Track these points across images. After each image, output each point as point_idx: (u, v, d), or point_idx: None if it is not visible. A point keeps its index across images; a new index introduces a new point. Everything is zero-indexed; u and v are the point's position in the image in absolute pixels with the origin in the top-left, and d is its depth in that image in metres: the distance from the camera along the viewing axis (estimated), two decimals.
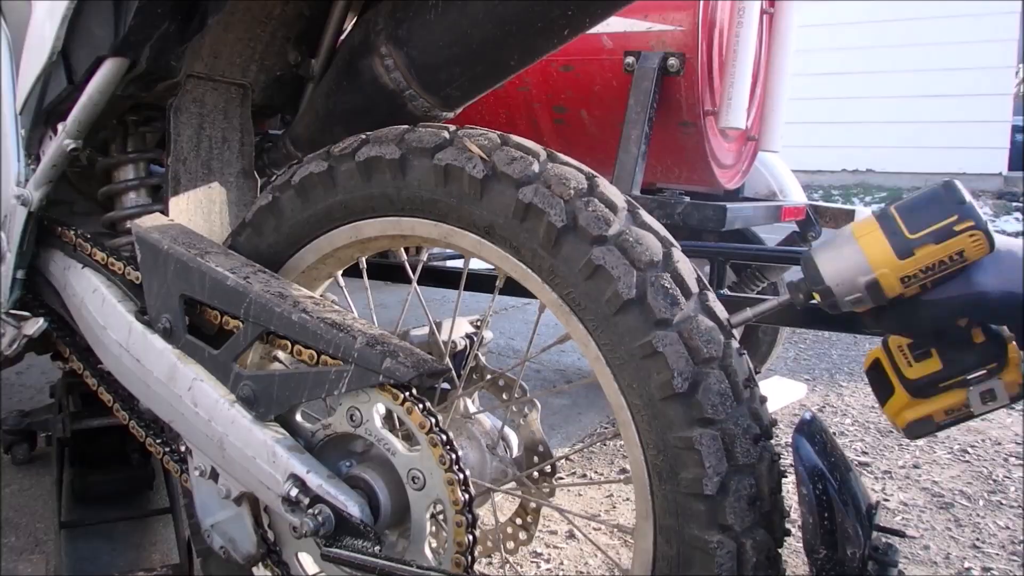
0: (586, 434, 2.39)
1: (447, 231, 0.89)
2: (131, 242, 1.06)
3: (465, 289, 1.22)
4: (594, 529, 1.76)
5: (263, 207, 1.00)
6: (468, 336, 1.22)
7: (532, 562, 1.60)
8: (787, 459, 0.80)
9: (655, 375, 0.77)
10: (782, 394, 2.77)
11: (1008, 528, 1.83)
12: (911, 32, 11.87)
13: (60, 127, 1.12)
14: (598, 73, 2.26)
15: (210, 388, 0.94)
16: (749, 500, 0.75)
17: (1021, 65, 13.45)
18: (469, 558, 0.84)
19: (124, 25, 1.00)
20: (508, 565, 1.56)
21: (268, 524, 1.01)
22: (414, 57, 1.09)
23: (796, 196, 2.76)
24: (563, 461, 2.15)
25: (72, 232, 1.20)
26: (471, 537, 0.83)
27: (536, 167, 0.84)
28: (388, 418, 0.91)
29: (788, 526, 0.81)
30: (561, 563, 1.61)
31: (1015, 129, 11.97)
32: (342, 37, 1.24)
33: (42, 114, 1.20)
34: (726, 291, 1.91)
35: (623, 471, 2.09)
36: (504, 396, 1.18)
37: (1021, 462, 2.25)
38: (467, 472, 0.83)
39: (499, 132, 0.90)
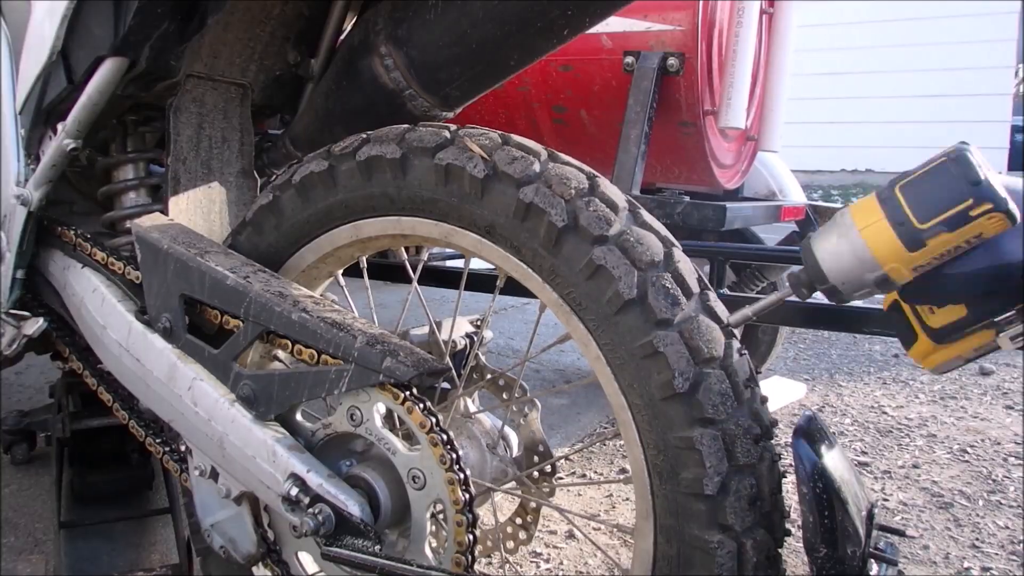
0: (586, 434, 2.39)
1: (448, 230, 0.89)
2: (131, 242, 1.06)
3: (465, 289, 1.22)
4: (594, 529, 1.76)
5: (263, 206, 1.00)
6: (468, 336, 1.22)
7: (532, 562, 1.60)
8: (787, 459, 0.80)
9: (656, 375, 0.77)
10: (782, 394, 2.77)
11: (1007, 528, 1.84)
12: (911, 32, 11.88)
13: (60, 127, 1.12)
14: (598, 73, 2.26)
15: (210, 387, 0.94)
16: (750, 500, 0.76)
17: (1021, 65, 13.46)
18: (469, 557, 0.84)
19: (124, 25, 1.00)
20: (508, 565, 1.56)
21: (268, 523, 1.01)
22: (414, 57, 1.09)
23: (795, 196, 2.76)
24: (563, 461, 2.15)
25: (72, 232, 1.20)
26: (471, 536, 0.83)
27: (537, 166, 0.84)
28: (388, 418, 0.91)
29: (788, 526, 0.82)
30: (561, 563, 1.61)
31: (1014, 129, 11.98)
32: (342, 37, 1.24)
33: (42, 114, 1.20)
34: (726, 291, 1.91)
35: (623, 471, 2.09)
36: (504, 396, 1.18)
37: (1020, 462, 2.25)
38: (467, 472, 0.83)
39: (500, 132, 0.90)
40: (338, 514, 0.85)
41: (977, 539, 1.78)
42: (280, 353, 1.00)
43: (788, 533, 0.80)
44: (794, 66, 2.59)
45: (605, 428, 2.43)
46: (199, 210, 1.19)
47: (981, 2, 11.16)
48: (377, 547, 0.84)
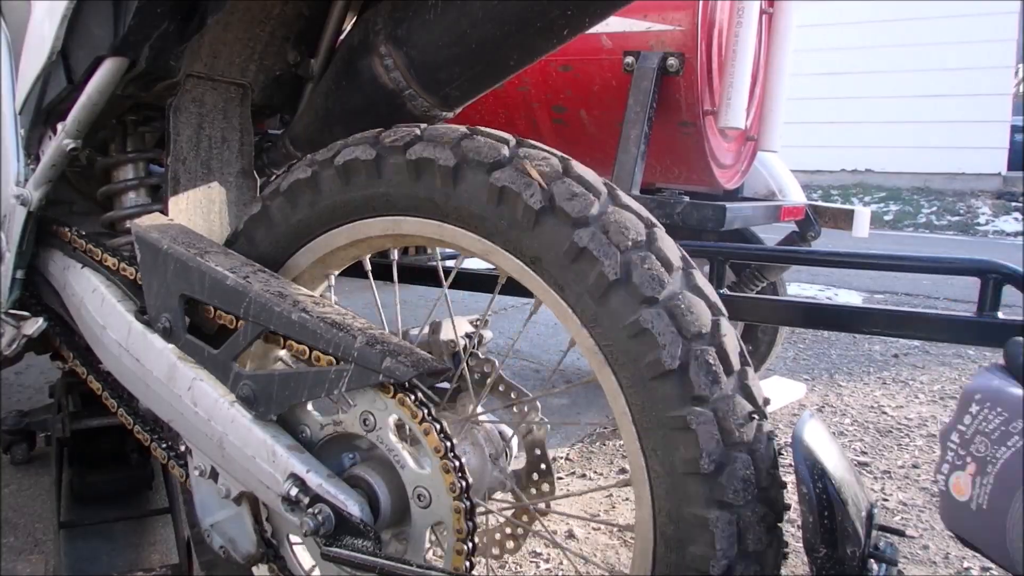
0: (585, 434, 2.39)
1: (490, 248, 0.86)
2: (131, 242, 1.06)
3: (464, 288, 1.22)
4: (594, 529, 1.76)
5: (301, 180, 0.97)
6: (468, 335, 1.22)
7: (532, 562, 1.60)
8: (787, 459, 0.80)
9: (682, 449, 0.76)
10: (781, 394, 2.78)
11: None
12: (911, 32, 11.89)
13: (59, 127, 1.12)
14: (597, 73, 2.26)
15: (210, 388, 0.94)
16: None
17: (1020, 65, 13.46)
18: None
19: (123, 25, 1.00)
20: (507, 564, 1.56)
21: (267, 519, 1.01)
22: (413, 57, 1.09)
23: (795, 196, 2.76)
24: (563, 460, 2.15)
25: (71, 232, 1.20)
26: (468, 563, 0.83)
27: (596, 208, 0.80)
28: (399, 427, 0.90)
29: (788, 526, 0.81)
30: (561, 563, 1.61)
31: (1014, 129, 11.99)
32: (341, 37, 1.24)
33: (42, 114, 1.20)
34: (726, 291, 1.91)
35: (623, 471, 2.09)
36: (515, 409, 1.17)
37: None
38: (474, 502, 0.83)
39: (561, 155, 0.86)
40: (338, 514, 0.85)
41: None
42: (280, 353, 1.00)
43: (788, 507, 0.81)
44: (794, 66, 2.59)
45: (604, 428, 2.43)
46: (199, 210, 1.19)
47: (981, 2, 11.17)
48: (377, 547, 0.84)
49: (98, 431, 1.64)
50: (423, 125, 0.92)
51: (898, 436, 2.46)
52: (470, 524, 0.82)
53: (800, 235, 2.62)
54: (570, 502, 1.90)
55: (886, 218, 11.55)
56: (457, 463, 0.83)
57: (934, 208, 11.62)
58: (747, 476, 0.75)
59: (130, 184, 1.27)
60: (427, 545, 0.87)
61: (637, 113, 2.05)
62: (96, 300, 1.10)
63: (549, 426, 1.17)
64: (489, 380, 1.15)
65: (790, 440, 0.77)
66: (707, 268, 1.85)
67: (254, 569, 1.01)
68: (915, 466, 2.21)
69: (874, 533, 0.78)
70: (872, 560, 0.75)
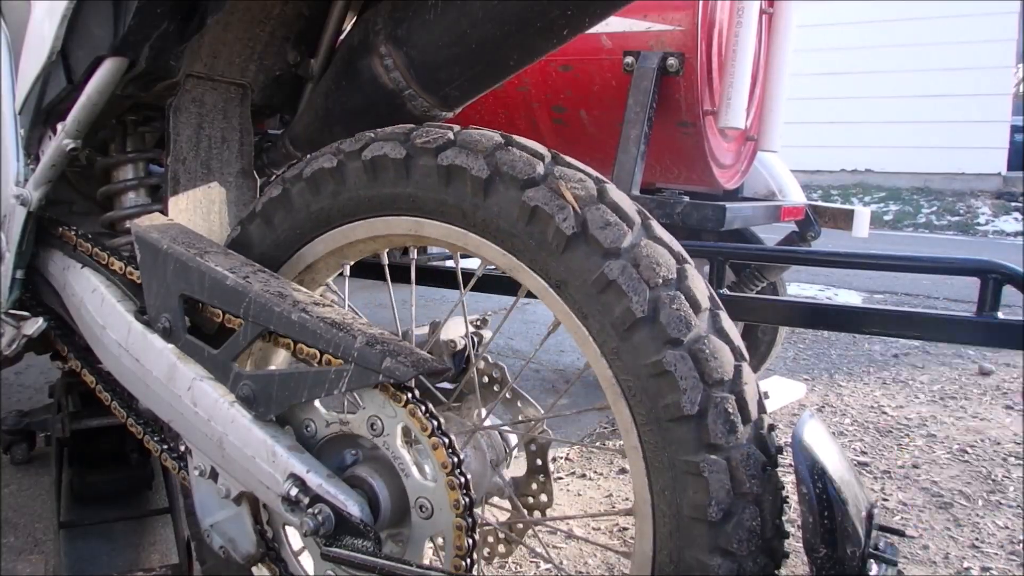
0: (585, 434, 2.39)
1: (515, 264, 0.85)
2: (130, 242, 1.06)
3: (470, 290, 1.22)
4: (594, 529, 1.76)
5: (326, 169, 0.96)
6: (471, 335, 1.22)
7: (532, 562, 1.60)
8: (787, 459, 0.80)
9: (692, 493, 0.76)
10: (781, 394, 2.77)
11: (1007, 528, 1.84)
12: (911, 32, 11.90)
13: (59, 127, 1.12)
14: (597, 73, 2.26)
15: (209, 388, 0.94)
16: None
17: (1020, 65, 13.46)
18: None
19: (123, 25, 1.00)
20: (508, 564, 1.56)
21: (267, 522, 1.01)
22: (413, 57, 1.09)
23: (795, 196, 2.76)
24: (563, 460, 2.15)
25: (71, 232, 1.20)
26: (467, 561, 0.83)
27: (629, 239, 0.79)
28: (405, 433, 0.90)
29: (788, 526, 0.81)
30: (561, 563, 1.61)
31: (1014, 129, 12.00)
32: (341, 37, 1.24)
33: (41, 114, 1.20)
34: (726, 291, 1.91)
35: (622, 471, 2.09)
36: (520, 417, 1.17)
37: (1020, 462, 2.26)
38: (476, 519, 0.83)
39: (597, 178, 0.84)
40: (338, 514, 0.85)
41: (977, 539, 1.78)
42: (280, 353, 1.00)
43: (787, 556, 0.81)
44: (794, 66, 2.59)
45: (604, 428, 2.43)
46: (199, 210, 1.19)
47: (981, 2, 11.17)
48: (377, 548, 0.84)
49: (98, 431, 1.64)
50: (456, 128, 0.90)
51: (898, 436, 2.46)
52: (470, 541, 0.82)
53: (800, 235, 2.61)
54: (570, 501, 1.90)
55: (886, 218, 11.55)
56: (463, 480, 0.82)
57: (934, 208, 11.62)
58: (753, 528, 0.75)
59: (130, 184, 1.27)
60: (425, 551, 0.87)
61: (637, 113, 2.05)
62: (96, 300, 1.10)
63: (552, 435, 1.16)
64: (501, 391, 1.14)
65: (790, 440, 0.77)
66: (707, 268, 1.85)
67: (254, 569, 1.01)
68: (915, 466, 2.21)
69: (874, 533, 0.78)
70: (872, 560, 0.75)
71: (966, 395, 2.94)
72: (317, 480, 0.86)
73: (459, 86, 1.12)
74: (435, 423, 0.83)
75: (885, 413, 2.70)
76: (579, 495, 1.95)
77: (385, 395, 0.85)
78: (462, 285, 1.14)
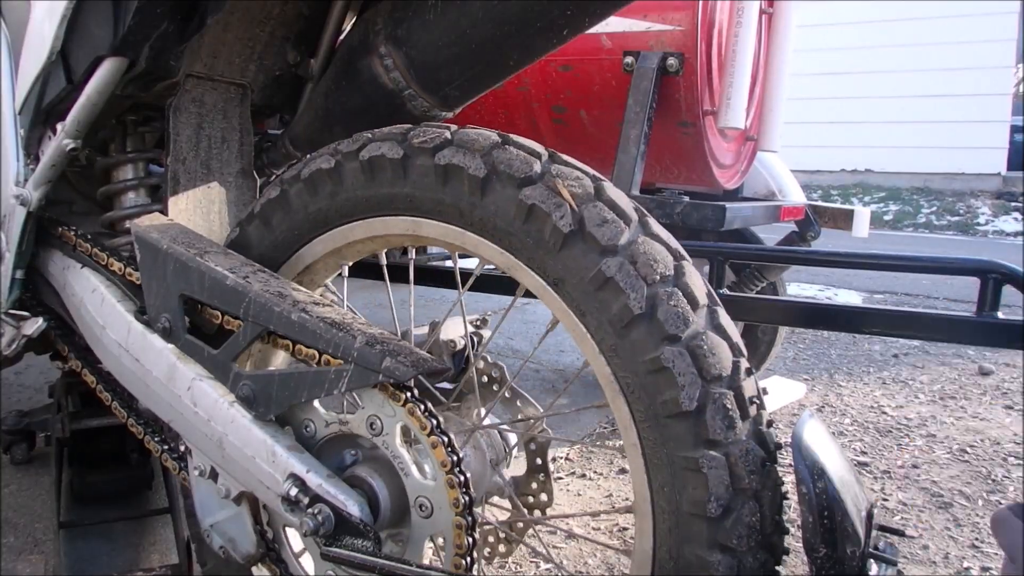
0: (585, 433, 2.39)
1: (513, 263, 0.85)
2: (130, 242, 1.06)
3: (469, 290, 1.22)
4: (593, 529, 1.76)
5: (323, 170, 0.96)
6: (469, 335, 1.22)
7: (532, 562, 1.60)
8: (787, 459, 0.80)
9: (691, 490, 0.76)
10: (781, 394, 2.77)
11: None
12: (911, 32, 11.90)
13: (59, 127, 1.12)
14: (597, 73, 2.26)
15: (209, 388, 0.94)
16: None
17: (1020, 65, 13.46)
18: None
19: (123, 25, 1.00)
20: (508, 564, 1.56)
21: (267, 522, 1.01)
22: (413, 57, 1.09)
23: (795, 196, 2.76)
24: (563, 460, 2.15)
25: (71, 232, 1.20)
26: (467, 560, 0.83)
27: (626, 236, 0.79)
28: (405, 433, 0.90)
29: (787, 526, 0.81)
30: (561, 562, 1.61)
31: (1014, 129, 12.00)
32: (341, 37, 1.24)
33: (41, 114, 1.20)
34: (726, 291, 1.91)
35: (622, 471, 2.09)
36: (519, 415, 1.17)
37: (1020, 462, 2.26)
38: (476, 518, 0.83)
39: (593, 175, 0.84)
40: (337, 514, 0.85)
41: (977, 539, 1.78)
42: (280, 353, 1.00)
43: (787, 552, 0.80)
44: (794, 66, 2.59)
45: (604, 428, 2.43)
46: (199, 210, 1.19)
47: (981, 2, 11.17)
48: (376, 547, 0.84)
49: (98, 431, 1.64)
50: (454, 127, 0.90)
51: (898, 436, 2.46)
52: (470, 540, 0.82)
53: (800, 235, 2.62)
54: (570, 501, 1.90)
55: (886, 218, 11.55)
56: (462, 478, 0.82)
57: (934, 208, 11.62)
58: (752, 523, 0.75)
59: (130, 184, 1.27)
60: (425, 550, 0.87)
61: (637, 113, 2.05)
62: (96, 300, 1.10)
63: (551, 432, 1.16)
64: (500, 390, 1.14)
65: (790, 440, 0.77)
66: (707, 268, 1.85)
67: (254, 569, 1.01)
68: (915, 466, 2.21)
69: (874, 533, 0.78)
70: (872, 560, 0.75)
71: (966, 395, 2.94)
72: (317, 480, 0.86)
73: (459, 86, 1.12)
74: (434, 422, 0.83)
75: (885, 413, 2.70)
76: (579, 495, 1.95)
77: (384, 394, 0.85)
78: (460, 285, 1.14)
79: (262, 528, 1.00)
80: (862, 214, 2.55)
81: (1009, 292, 1.50)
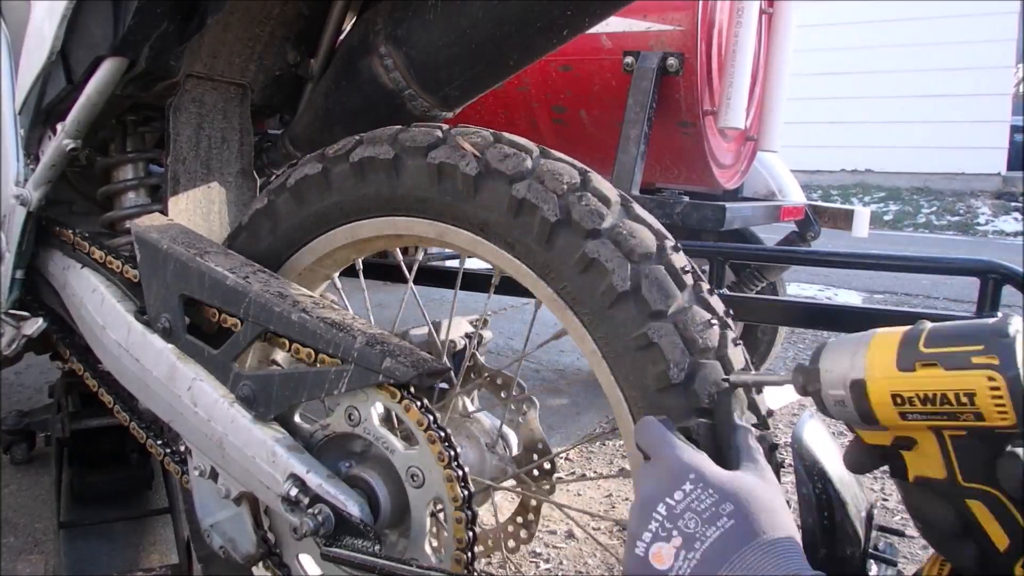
0: (585, 433, 2.39)
1: (442, 229, 0.88)
2: (130, 242, 1.06)
3: (461, 288, 1.22)
4: (594, 528, 1.76)
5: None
6: (467, 335, 1.22)
7: (531, 562, 1.60)
8: (787, 459, 0.80)
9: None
10: (781, 394, 2.77)
11: None
12: (911, 32, 11.90)
13: (59, 127, 1.12)
14: (597, 73, 2.26)
15: (209, 388, 0.94)
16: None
17: (1020, 65, 13.47)
18: (469, 555, 0.84)
19: (123, 25, 1.00)
20: (508, 565, 1.56)
21: (268, 525, 1.01)
22: (413, 57, 1.09)
23: (795, 196, 2.76)
24: (563, 460, 2.15)
25: (71, 232, 1.20)
26: (471, 534, 0.83)
27: (529, 163, 0.83)
28: (387, 419, 0.91)
29: None
30: (560, 562, 1.61)
31: (1014, 129, 12.00)
32: (341, 37, 1.24)
33: (41, 114, 1.20)
34: (726, 291, 1.92)
35: (622, 470, 2.09)
36: (502, 394, 1.18)
37: None
38: (466, 468, 0.83)
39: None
40: (338, 514, 0.85)
41: None
42: (280, 353, 1.00)
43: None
44: (794, 66, 2.59)
45: (604, 428, 2.43)
46: (198, 210, 1.20)
47: (981, 2, 11.18)
48: (377, 547, 0.84)
49: (98, 431, 1.64)
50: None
51: None
52: (465, 492, 0.82)
53: (800, 235, 2.62)
54: (570, 501, 1.90)
55: (886, 218, 11.56)
56: (443, 433, 0.82)
57: (934, 208, 11.63)
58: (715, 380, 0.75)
59: (130, 184, 1.27)
60: (428, 535, 0.87)
61: (637, 113, 2.05)
62: (96, 300, 1.10)
63: (537, 402, 1.16)
64: (465, 365, 1.15)
65: (790, 440, 0.77)
66: (707, 268, 1.85)
67: (254, 569, 1.01)
68: None
69: (874, 533, 0.79)
70: (871, 560, 0.75)
71: None
72: (317, 480, 0.86)
73: (459, 86, 1.12)
74: (404, 391, 0.83)
75: None
76: (579, 495, 1.95)
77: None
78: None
79: (262, 528, 1.00)
80: (862, 214, 2.55)
81: (1009, 292, 1.50)
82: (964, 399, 0.58)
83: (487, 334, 1.28)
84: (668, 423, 0.70)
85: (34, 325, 1.23)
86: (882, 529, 0.81)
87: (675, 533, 0.60)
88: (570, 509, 1.51)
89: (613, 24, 2.17)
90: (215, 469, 0.97)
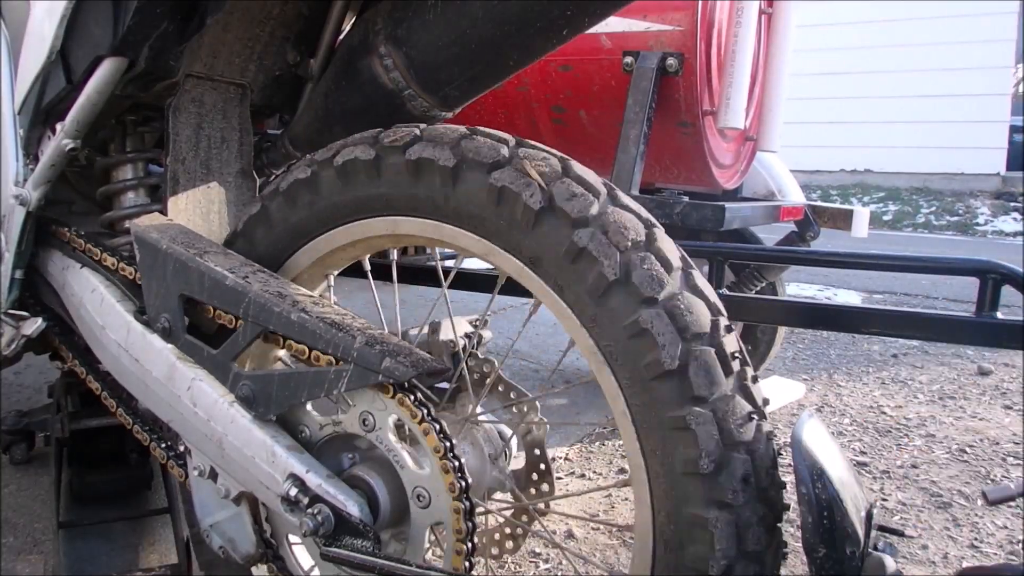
0: (584, 434, 2.39)
1: (489, 248, 0.86)
2: (130, 242, 1.06)
3: (461, 288, 1.22)
4: (593, 529, 1.76)
5: (300, 180, 0.98)
6: (467, 335, 1.22)
7: (531, 562, 1.60)
8: (787, 459, 0.80)
9: (682, 448, 0.76)
10: (781, 394, 2.78)
11: (1006, 528, 1.84)
12: (911, 32, 11.89)
13: (59, 127, 1.12)
14: (597, 73, 2.26)
15: (209, 388, 0.94)
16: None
17: (1020, 65, 13.47)
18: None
19: (123, 25, 1.00)
20: (508, 565, 1.56)
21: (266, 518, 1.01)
22: (413, 57, 1.09)
23: (794, 196, 2.76)
24: (563, 460, 2.15)
25: (71, 232, 1.20)
26: (468, 563, 0.83)
27: (596, 208, 0.80)
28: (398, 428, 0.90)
29: (787, 523, 0.81)
30: (560, 563, 1.61)
31: (1013, 129, 12.00)
32: (341, 37, 1.24)
33: (41, 114, 1.20)
34: (725, 291, 1.91)
35: (622, 471, 2.09)
36: (514, 409, 1.17)
37: (1019, 462, 2.26)
38: (473, 502, 0.83)
39: (560, 155, 0.85)
40: (337, 514, 0.85)
41: (976, 539, 1.78)
42: (280, 353, 1.00)
43: (787, 508, 0.81)
44: (794, 66, 2.59)
45: (604, 428, 2.43)
46: (198, 210, 1.19)
47: (981, 2, 11.17)
48: (376, 547, 0.84)
49: (97, 431, 1.64)
50: (422, 125, 0.92)
51: (897, 436, 2.46)
52: (469, 524, 0.82)
53: (799, 235, 2.62)
54: (569, 502, 1.90)
55: (885, 218, 11.55)
56: (456, 463, 0.82)
57: (933, 208, 11.62)
58: (747, 476, 0.75)
59: (129, 184, 1.27)
60: (426, 545, 0.87)
61: (636, 113, 2.05)
62: (95, 300, 1.10)
63: (548, 426, 1.16)
64: (488, 381, 1.15)
65: (789, 440, 0.77)
66: (706, 268, 1.85)
67: (254, 569, 1.01)
68: (914, 466, 2.21)
69: (873, 533, 0.79)
70: (872, 560, 0.75)
71: (965, 395, 2.94)
72: (316, 480, 0.86)
73: (459, 86, 1.12)
74: (424, 410, 0.84)
75: (884, 413, 2.70)
76: (578, 495, 1.95)
77: (375, 389, 0.86)
78: (443, 281, 1.15)
79: (262, 528, 0.99)
80: (861, 214, 2.55)
81: (1008, 292, 1.50)
82: None
83: (487, 334, 1.28)
84: None
85: (33, 325, 1.23)
86: (882, 529, 0.81)
87: None
88: (570, 518, 1.51)
89: (613, 24, 2.17)
90: (215, 469, 0.97)
